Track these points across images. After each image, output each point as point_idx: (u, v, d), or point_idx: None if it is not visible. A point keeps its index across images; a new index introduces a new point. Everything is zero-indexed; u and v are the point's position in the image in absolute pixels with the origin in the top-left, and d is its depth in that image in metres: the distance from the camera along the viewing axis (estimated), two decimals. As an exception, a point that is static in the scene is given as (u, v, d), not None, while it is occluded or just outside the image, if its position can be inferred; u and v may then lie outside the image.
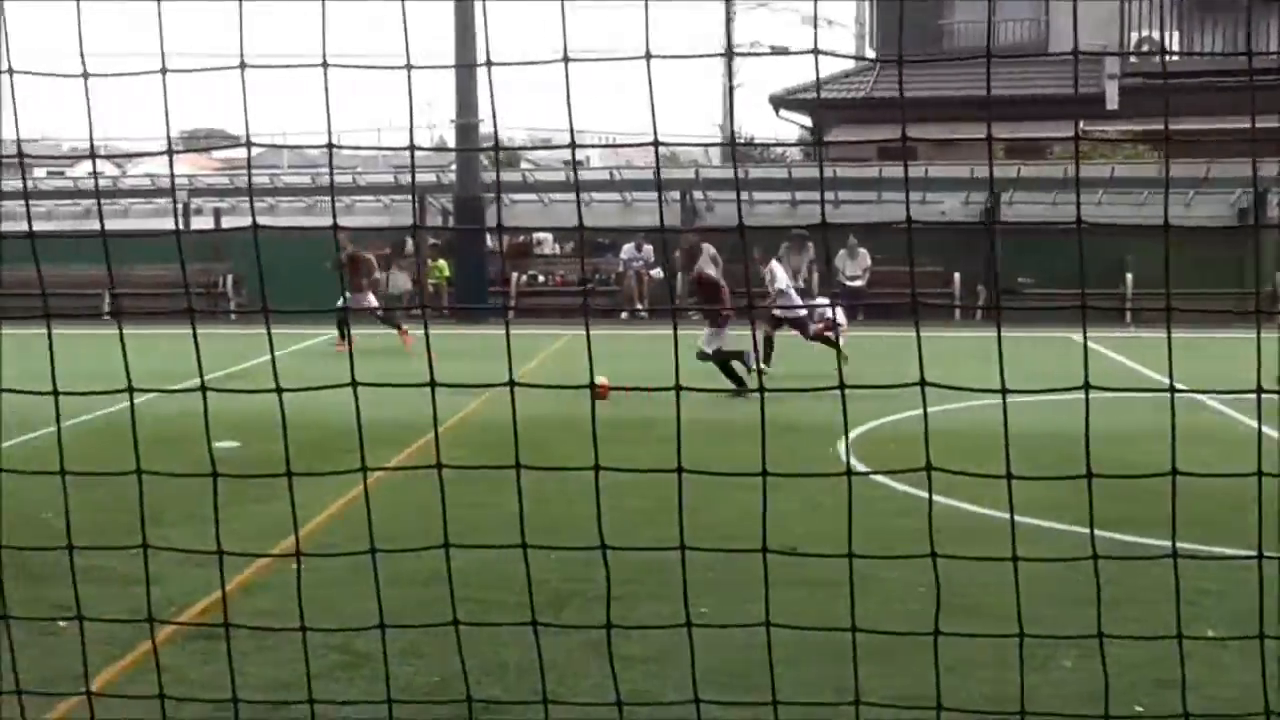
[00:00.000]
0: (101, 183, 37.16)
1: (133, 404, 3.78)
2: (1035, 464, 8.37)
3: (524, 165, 41.92)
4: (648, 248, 29.89)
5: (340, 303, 19.42)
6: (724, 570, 7.21)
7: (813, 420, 12.44)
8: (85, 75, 3.35)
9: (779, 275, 19.25)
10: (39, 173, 59.82)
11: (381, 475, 9.82)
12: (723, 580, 7.13)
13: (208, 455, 4.23)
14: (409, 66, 3.40)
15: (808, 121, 39.04)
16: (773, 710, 3.78)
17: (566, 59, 3.47)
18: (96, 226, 3.16)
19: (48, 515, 9.06)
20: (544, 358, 16.07)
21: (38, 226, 32.54)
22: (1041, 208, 27.74)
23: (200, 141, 76.97)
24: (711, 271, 17.97)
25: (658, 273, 29.81)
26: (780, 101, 36.53)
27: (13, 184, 34.68)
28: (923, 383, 3.52)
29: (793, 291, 19.04)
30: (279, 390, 3.82)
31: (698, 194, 30.76)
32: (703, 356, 16.61)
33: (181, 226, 29.95)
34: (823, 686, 5.51)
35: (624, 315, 28.60)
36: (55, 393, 3.72)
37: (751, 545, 3.77)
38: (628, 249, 30.01)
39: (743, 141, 49.03)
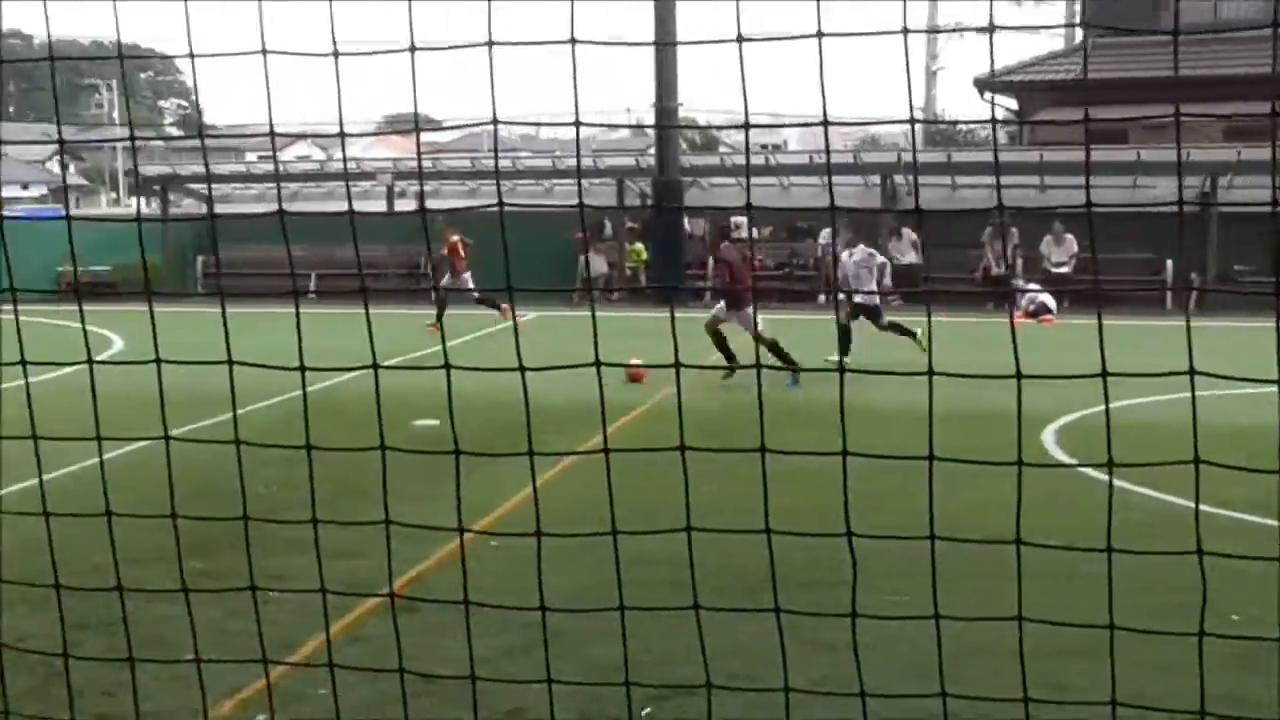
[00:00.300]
0: (308, 166, 38.28)
1: (378, 381, 3.85)
2: (1258, 458, 8.03)
3: (722, 149, 41.87)
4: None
5: (445, 283, 21.48)
6: (925, 559, 7.07)
7: (1010, 410, 12.13)
8: (335, 55, 3.41)
9: (877, 256, 19.07)
10: (250, 157, 61.99)
11: (577, 456, 9.90)
12: (922, 569, 7.00)
13: (412, 431, 4.27)
14: (573, 41, 3.37)
15: (1013, 104, 38.19)
16: (973, 705, 3.68)
17: (740, 39, 3.41)
18: (303, 208, 3.24)
19: (261, 489, 9.36)
20: (739, 343, 16.09)
21: (247, 209, 33.68)
22: (1265, 192, 26.60)
23: (403, 126, 78.65)
24: (732, 254, 17.98)
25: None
26: (985, 84, 35.79)
27: (227, 168, 35.90)
28: (1104, 374, 3.39)
29: (870, 277, 18.69)
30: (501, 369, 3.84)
31: (899, 178, 30.32)
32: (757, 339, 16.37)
33: (386, 209, 30.66)
34: (1032, 683, 5.37)
35: (821, 299, 28.37)
36: (301, 368, 3.80)
37: (959, 535, 3.68)
38: (826, 234, 29.75)
39: (932, 119, 48.14)
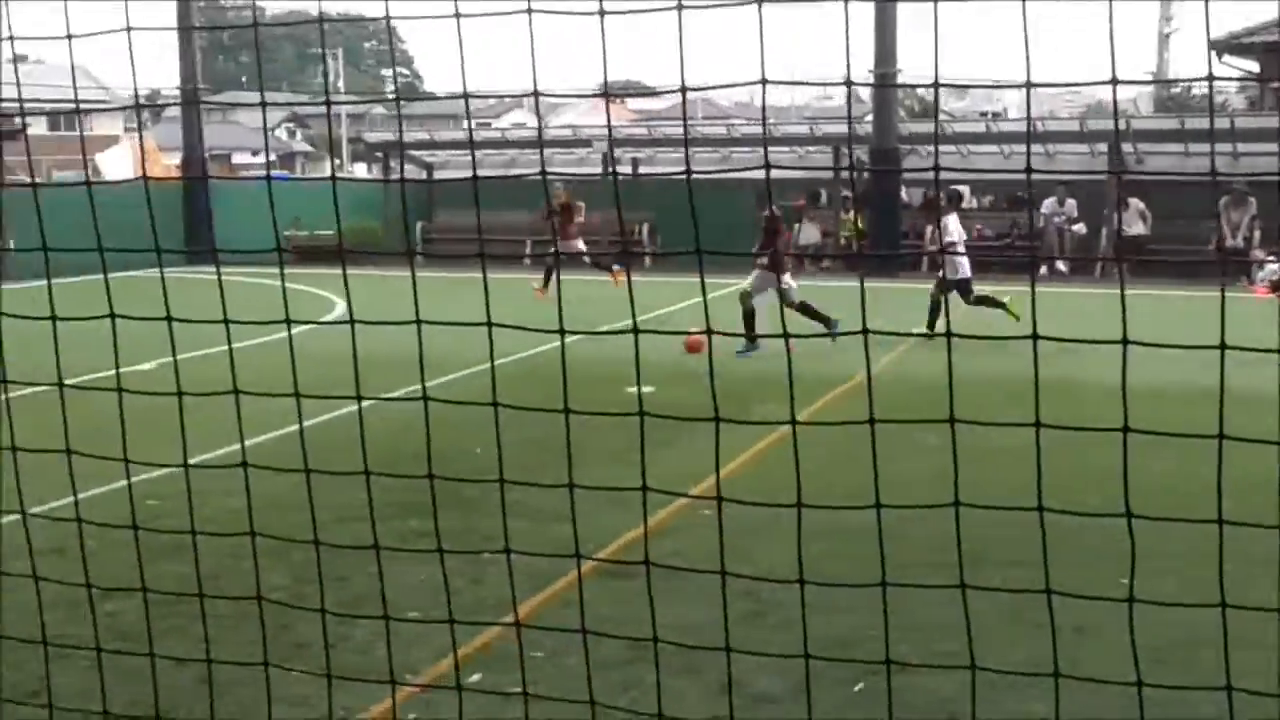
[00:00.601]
0: (525, 134, 38.76)
1: (593, 345, 3.83)
2: None
3: (942, 116, 41.04)
4: (1070, 202, 28.76)
5: (552, 249, 21.12)
6: (1149, 539, 6.83)
7: (1242, 387, 11.64)
8: (529, 11, 3.39)
9: (951, 229, 18.32)
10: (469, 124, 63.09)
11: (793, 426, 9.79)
12: (1151, 550, 6.75)
13: (625, 398, 4.24)
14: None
15: (1254, 67, 36.48)
16: (1227, 695, 3.51)
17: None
18: (520, 175, 3.25)
19: (478, 449, 9.50)
20: (958, 313, 15.77)
21: (466, 174, 34.26)
22: None
23: (618, 92, 79.01)
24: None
25: (1080, 228, 28.66)
26: (1224, 46, 34.28)
27: (446, 135, 36.55)
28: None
29: (963, 249, 18.03)
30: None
31: (1127, 146, 29.29)
32: (787, 303, 16.62)
33: (601, 174, 30.88)
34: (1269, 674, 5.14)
35: (1044, 271, 27.64)
36: (563, 329, 3.81)
37: (1186, 515, 3.51)
38: (1049, 203, 28.95)
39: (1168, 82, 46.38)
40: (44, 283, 3.84)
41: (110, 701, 5.28)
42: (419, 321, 3.17)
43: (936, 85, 3.34)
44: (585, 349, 16.62)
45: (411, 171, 36.12)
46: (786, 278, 17.35)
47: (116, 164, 44.73)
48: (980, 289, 17.91)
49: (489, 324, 3.23)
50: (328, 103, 3.79)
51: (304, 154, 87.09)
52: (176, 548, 7.07)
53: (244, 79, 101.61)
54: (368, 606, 6.49)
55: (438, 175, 34.24)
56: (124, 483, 7.86)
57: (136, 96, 3.79)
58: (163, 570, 6.88)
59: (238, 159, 77.93)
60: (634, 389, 11.24)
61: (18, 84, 3.56)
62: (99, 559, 6.69)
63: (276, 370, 3.60)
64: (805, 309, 16.28)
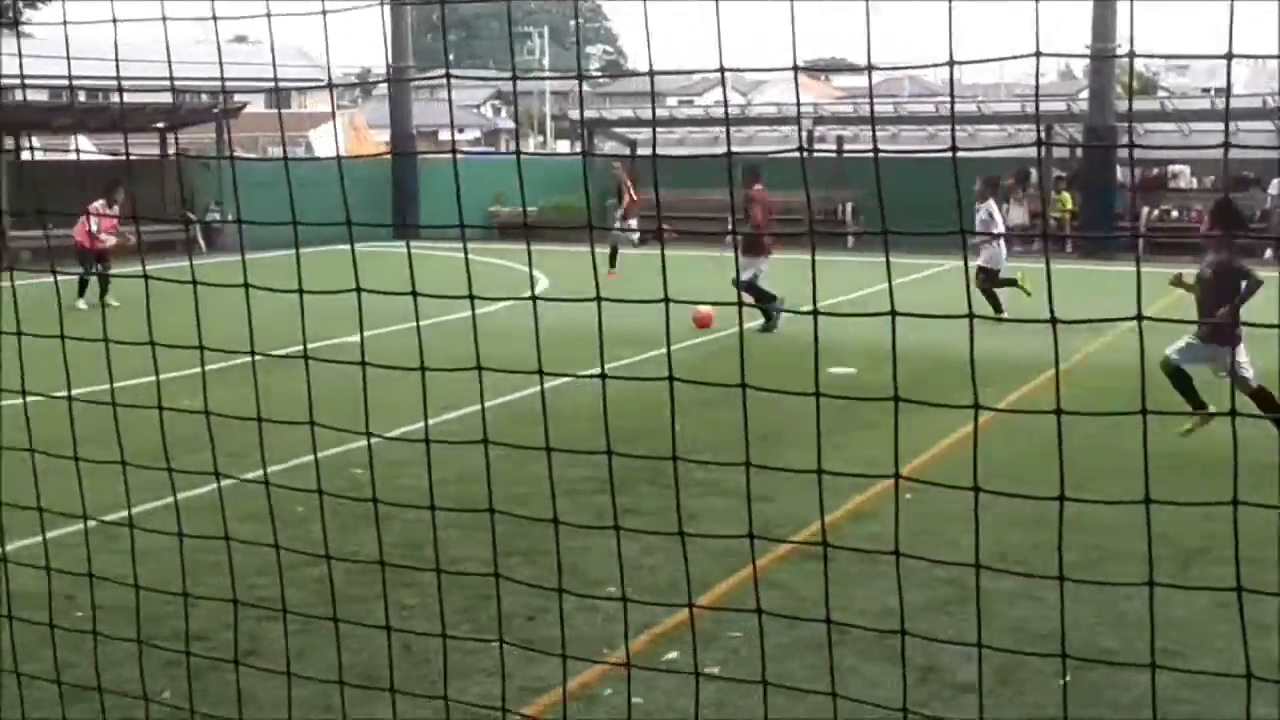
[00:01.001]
0: (730, 111, 38.60)
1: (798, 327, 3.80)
2: None
3: (1160, 92, 39.74)
4: None
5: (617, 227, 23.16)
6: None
7: None
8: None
9: (996, 218, 17.93)
10: (671, 101, 63.20)
11: (996, 413, 9.60)
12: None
13: (826, 378, 4.17)
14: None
15: None
16: None
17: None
18: (724, 152, 3.21)
19: (677, 428, 9.51)
20: (1175, 299, 15.29)
21: (669, 152, 34.34)
22: None
23: (822, 69, 78.29)
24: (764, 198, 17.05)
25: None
26: None
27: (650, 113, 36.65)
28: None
29: (1001, 242, 17.33)
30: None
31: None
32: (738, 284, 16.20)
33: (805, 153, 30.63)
34: None
35: (1268, 255, 26.52)
36: (739, 303, 3.80)
37: None
38: (1276, 184, 27.68)
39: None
40: (263, 255, 3.94)
41: (318, 664, 5.43)
42: (599, 300, 3.16)
43: (1131, 56, 3.19)
44: (790, 328, 16.53)
45: (614, 149, 36.34)
46: (764, 263, 16.81)
47: (328, 141, 45.95)
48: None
49: (664, 299, 3.20)
50: (513, 78, 3.79)
51: (508, 131, 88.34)
52: (385, 516, 7.25)
53: (451, 56, 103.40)
54: (568, 581, 6.54)
55: (641, 153, 34.40)
56: (334, 450, 8.11)
57: (329, 79, 3.85)
58: (367, 537, 7.06)
59: (444, 135, 79.42)
60: (837, 370, 11.19)
61: (220, 64, 3.63)
62: (308, 525, 6.91)
63: (482, 344, 3.63)
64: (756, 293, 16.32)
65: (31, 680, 4.10)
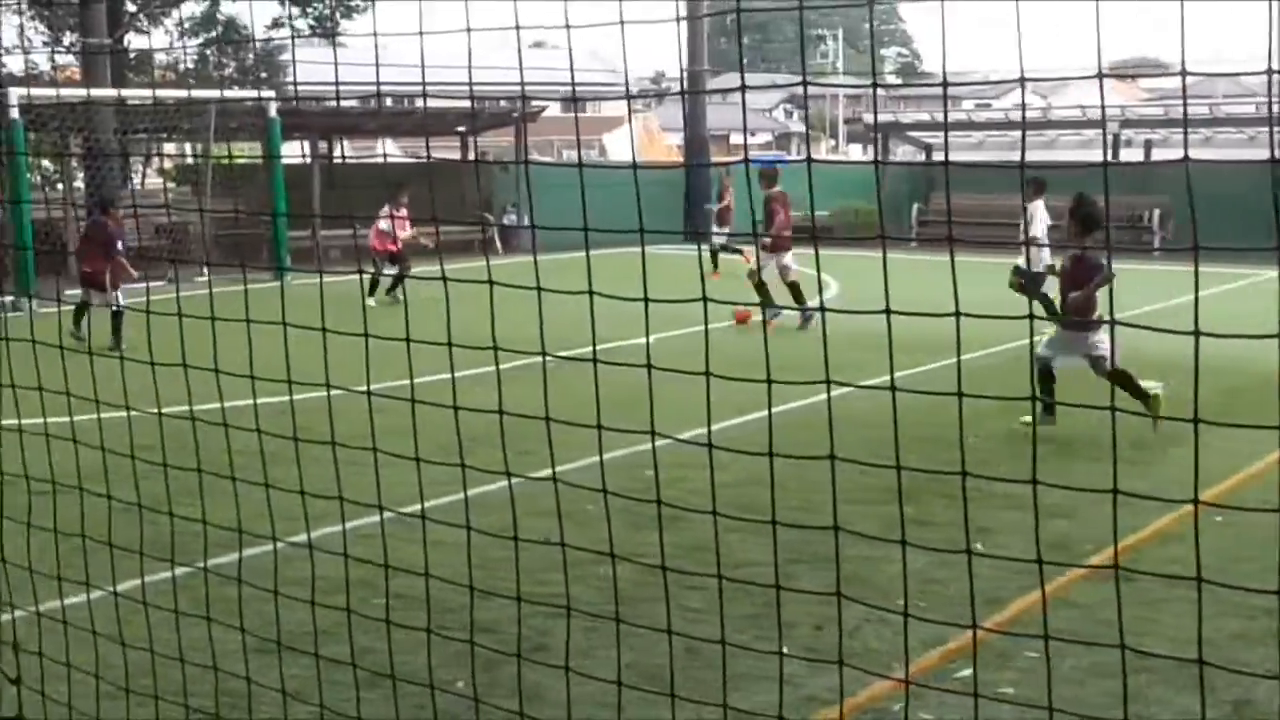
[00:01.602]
0: (1029, 114, 37.58)
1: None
2: None
3: None
4: None
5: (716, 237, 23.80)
6: None
7: None
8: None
9: (1038, 218, 17.61)
10: (967, 104, 61.95)
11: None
12: None
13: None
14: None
15: None
16: None
17: None
18: (1022, 158, 3.04)
19: (972, 438, 9.27)
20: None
21: (966, 157, 33.62)
22: None
23: (1129, 70, 75.55)
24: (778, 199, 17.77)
25: None
26: None
27: (945, 116, 35.95)
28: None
29: (1046, 242, 16.97)
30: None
31: None
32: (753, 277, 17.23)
33: (1110, 158, 29.57)
34: None
35: None
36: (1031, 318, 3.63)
37: None
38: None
39: None
40: (558, 256, 3.96)
41: (604, 663, 5.44)
42: (888, 312, 3.04)
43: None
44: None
45: (909, 153, 35.82)
46: (788, 257, 17.83)
47: (621, 144, 46.70)
48: None
49: (955, 313, 3.06)
50: (804, 83, 3.70)
51: (799, 134, 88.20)
52: (671, 518, 7.24)
53: (744, 61, 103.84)
54: (854, 590, 6.41)
55: (936, 157, 33.79)
56: (624, 451, 8.15)
57: (627, 86, 3.84)
58: (653, 539, 7.06)
59: (735, 139, 79.82)
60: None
61: (515, 68, 3.65)
62: (599, 524, 6.96)
63: (782, 350, 3.55)
64: (792, 289, 17.27)
65: (333, 664, 4.22)
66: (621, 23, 3.53)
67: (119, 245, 16.49)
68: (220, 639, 4.49)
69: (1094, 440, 8.84)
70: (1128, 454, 8.61)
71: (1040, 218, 17.58)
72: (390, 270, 19.30)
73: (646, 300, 3.25)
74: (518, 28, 3.69)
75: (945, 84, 3.61)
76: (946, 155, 4.53)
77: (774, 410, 3.78)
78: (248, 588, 3.91)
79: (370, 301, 18.99)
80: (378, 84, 3.72)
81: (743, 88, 3.57)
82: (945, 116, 31.53)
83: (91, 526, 4.17)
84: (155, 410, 3.75)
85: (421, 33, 3.75)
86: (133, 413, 3.80)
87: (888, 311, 3.20)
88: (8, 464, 4.23)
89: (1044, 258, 17.22)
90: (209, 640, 4.37)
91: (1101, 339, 10.20)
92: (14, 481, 4.15)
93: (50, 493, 4.01)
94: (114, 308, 15.95)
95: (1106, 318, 10.37)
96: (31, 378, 3.94)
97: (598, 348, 3.28)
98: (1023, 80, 3.36)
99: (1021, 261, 12.13)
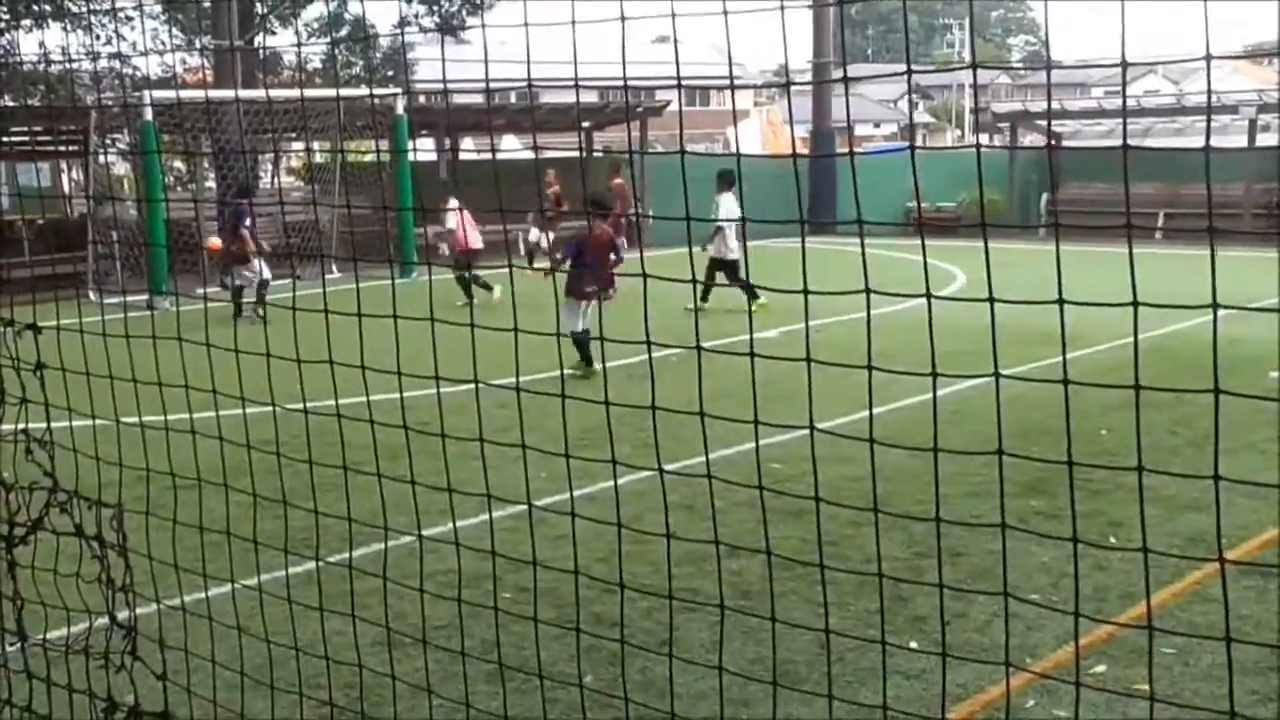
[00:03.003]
0: (1162, 100, 36.77)
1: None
2: None
3: None
4: None
5: None
6: None
7: None
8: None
9: (724, 208, 16.84)
10: (1097, 92, 60.74)
11: None
12: None
13: (1269, 384, 3.83)
14: None
15: None
16: None
17: None
18: (1154, 144, 2.98)
19: (1104, 432, 9.11)
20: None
21: (1096, 144, 32.93)
22: None
23: (1268, 52, 73.47)
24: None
25: None
26: None
27: (1076, 104, 35.36)
28: None
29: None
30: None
31: None
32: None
33: (1246, 144, 28.82)
34: None
35: None
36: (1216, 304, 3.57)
37: None
38: None
39: None
40: (681, 250, 3.96)
41: (732, 657, 5.45)
42: (1061, 301, 2.99)
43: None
44: (1232, 329, 15.55)
45: (1037, 141, 35.23)
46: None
47: (747, 137, 46.58)
48: None
49: (1135, 303, 3.00)
50: (905, 74, 3.65)
51: (925, 125, 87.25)
52: (798, 512, 7.23)
53: (869, 51, 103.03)
54: (985, 584, 6.35)
55: (1066, 144, 33.20)
56: (750, 445, 8.12)
57: (731, 79, 3.83)
58: (783, 533, 7.05)
59: (860, 131, 79.14)
60: (1277, 374, 10.43)
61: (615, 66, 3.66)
62: (726, 518, 6.97)
63: (899, 341, 3.52)
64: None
65: (464, 656, 4.27)
66: (724, 13, 3.51)
67: (246, 221, 17.88)
68: (348, 632, 4.58)
69: (1238, 434, 8.63)
70: (1267, 446, 8.39)
71: (726, 208, 17.29)
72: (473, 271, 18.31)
73: (806, 292, 3.23)
74: (623, 18, 3.69)
75: (1049, 67, 3.54)
76: (1050, 140, 4.45)
77: (902, 403, 3.74)
78: (377, 581, 3.98)
79: (457, 302, 18.16)
80: (485, 80, 3.74)
81: (844, 79, 3.54)
82: (1056, 103, 30.98)
83: (224, 521, 4.26)
84: (298, 405, 3.82)
85: (527, 24, 3.77)
86: (268, 408, 3.88)
87: (990, 299, 3.15)
88: (152, 460, 4.34)
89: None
90: (350, 632, 4.45)
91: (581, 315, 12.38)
92: (156, 477, 4.25)
93: (171, 488, 4.10)
94: (256, 279, 17.83)
95: None
96: (173, 373, 4.04)
97: (732, 339, 3.28)
98: (1124, 65, 3.28)
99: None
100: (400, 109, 24.19)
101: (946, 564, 6.49)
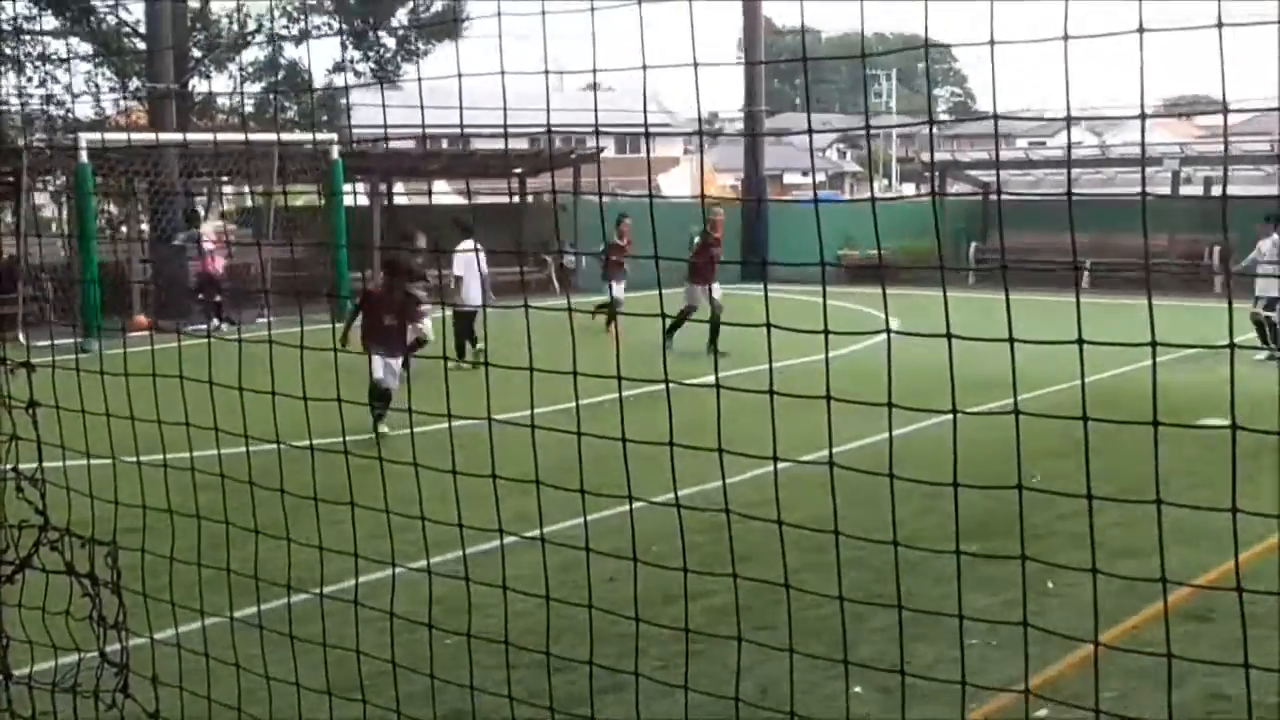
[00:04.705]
0: (1086, 152, 37.40)
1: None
2: None
3: None
4: None
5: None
6: None
7: None
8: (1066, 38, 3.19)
9: (1265, 250, 17.97)
10: (1021, 143, 61.72)
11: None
12: None
13: (1198, 431, 3.92)
14: None
15: None
16: None
17: None
18: (1075, 194, 3.04)
19: (1035, 478, 9.19)
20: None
21: (1023, 194, 33.41)
22: None
23: (1182, 108, 75.17)
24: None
25: None
26: None
27: (1003, 155, 35.89)
28: None
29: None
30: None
31: None
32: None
33: (1169, 193, 29.40)
34: None
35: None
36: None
37: None
38: None
39: None
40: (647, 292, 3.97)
41: (676, 704, 5.45)
42: (1011, 340, 3.03)
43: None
44: (1168, 376, 15.65)
45: (964, 190, 35.71)
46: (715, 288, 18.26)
47: (676, 184, 46.89)
48: None
49: (1080, 340, 3.05)
50: (868, 127, 3.72)
51: (853, 174, 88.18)
52: (738, 557, 7.19)
53: (797, 101, 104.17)
54: (927, 630, 6.38)
55: (994, 196, 33.68)
56: (692, 489, 8.13)
57: (700, 122, 3.88)
58: (724, 581, 7.03)
59: (789, 179, 79.84)
60: (1210, 420, 10.60)
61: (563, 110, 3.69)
62: (669, 563, 6.94)
63: (837, 384, 3.54)
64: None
65: (407, 702, 4.23)
66: (695, 63, 3.55)
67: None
68: (300, 676, 4.53)
69: (1167, 482, 8.72)
70: (1195, 494, 8.48)
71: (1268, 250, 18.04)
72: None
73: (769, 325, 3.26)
74: (547, 72, 3.72)
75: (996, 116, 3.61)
76: (999, 188, 4.53)
77: (838, 449, 3.77)
78: (312, 628, 3.94)
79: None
80: (423, 126, 3.75)
81: (809, 130, 3.59)
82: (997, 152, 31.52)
83: (189, 555, 4.21)
84: (239, 448, 3.79)
85: (460, 75, 3.79)
86: (202, 453, 3.84)
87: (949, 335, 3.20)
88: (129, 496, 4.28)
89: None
90: (293, 676, 4.40)
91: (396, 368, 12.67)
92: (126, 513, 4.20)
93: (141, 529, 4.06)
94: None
95: None
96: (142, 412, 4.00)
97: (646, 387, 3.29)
98: (1069, 119, 3.36)
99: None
100: (336, 154, 24.15)
101: (891, 609, 6.51)
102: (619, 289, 20.23)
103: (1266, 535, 7.76)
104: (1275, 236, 18.34)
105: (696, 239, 18.96)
